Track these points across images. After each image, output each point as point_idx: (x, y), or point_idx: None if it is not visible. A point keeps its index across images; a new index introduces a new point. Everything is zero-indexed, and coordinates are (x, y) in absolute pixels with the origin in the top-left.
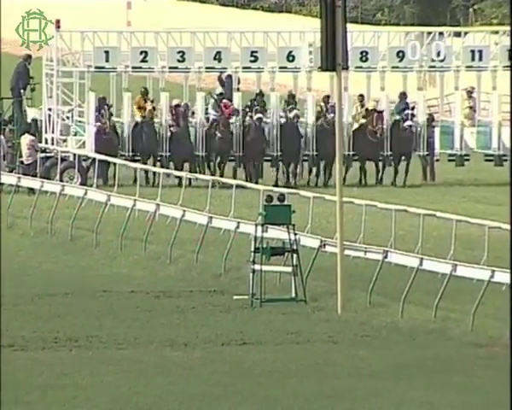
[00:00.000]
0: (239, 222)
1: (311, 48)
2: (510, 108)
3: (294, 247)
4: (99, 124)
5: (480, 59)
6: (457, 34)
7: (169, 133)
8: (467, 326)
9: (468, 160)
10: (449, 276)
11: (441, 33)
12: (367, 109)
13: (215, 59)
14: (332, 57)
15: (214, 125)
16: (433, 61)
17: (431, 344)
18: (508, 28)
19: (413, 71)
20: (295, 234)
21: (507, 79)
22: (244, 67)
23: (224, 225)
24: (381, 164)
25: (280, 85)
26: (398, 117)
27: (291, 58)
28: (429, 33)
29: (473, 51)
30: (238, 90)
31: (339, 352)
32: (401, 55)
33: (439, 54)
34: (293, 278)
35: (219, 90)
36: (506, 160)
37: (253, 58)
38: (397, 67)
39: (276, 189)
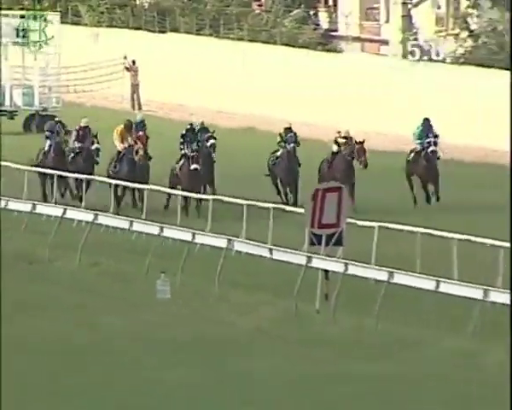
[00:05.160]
0: None
1: None
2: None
3: None
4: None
5: None
6: None
7: None
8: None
9: (16, 115)
10: (60, 219)
11: None
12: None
13: None
14: None
15: None
16: None
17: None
18: (15, 12)
19: None
20: None
21: (15, 52)
22: None
23: None
24: None
25: None
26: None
27: None
28: None
29: None
30: None
31: None
32: None
33: None
34: None
35: None
36: (17, 115)
37: None
38: None
39: None
